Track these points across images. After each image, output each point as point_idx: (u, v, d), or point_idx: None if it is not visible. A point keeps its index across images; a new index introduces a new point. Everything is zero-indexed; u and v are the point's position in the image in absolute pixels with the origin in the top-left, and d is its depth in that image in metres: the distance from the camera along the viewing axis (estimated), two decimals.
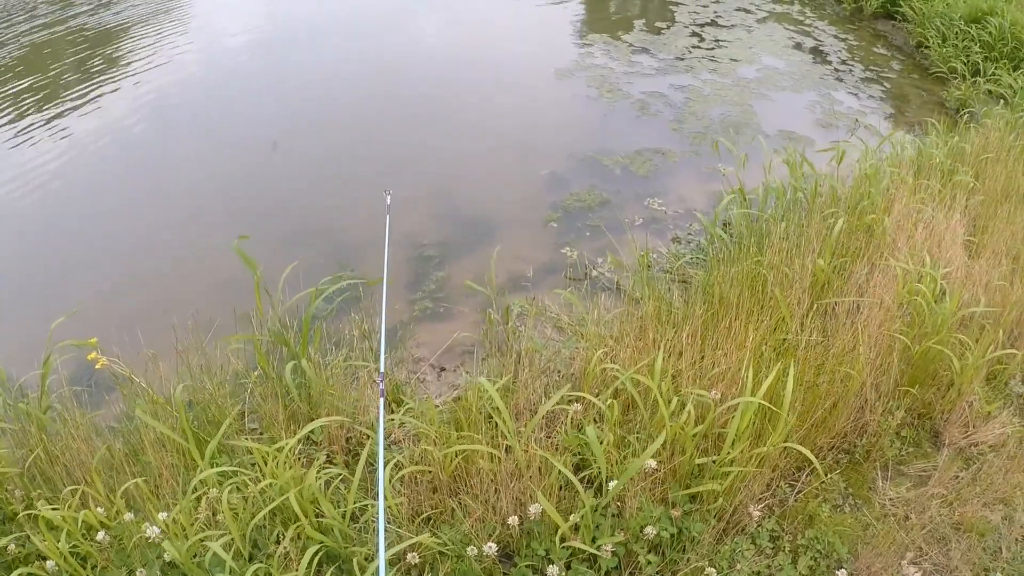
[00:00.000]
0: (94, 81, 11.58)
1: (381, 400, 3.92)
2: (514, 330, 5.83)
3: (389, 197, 5.84)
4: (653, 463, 3.92)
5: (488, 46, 12.95)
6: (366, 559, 3.69)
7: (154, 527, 3.74)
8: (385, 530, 3.86)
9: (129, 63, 12.34)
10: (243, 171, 9.02)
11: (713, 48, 12.59)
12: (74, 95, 11.17)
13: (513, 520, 3.85)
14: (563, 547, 3.82)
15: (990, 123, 8.63)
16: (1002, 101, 10.12)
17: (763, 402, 4.04)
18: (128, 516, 3.97)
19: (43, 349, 4.98)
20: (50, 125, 10.23)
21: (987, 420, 5.15)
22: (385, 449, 4.55)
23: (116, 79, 11.68)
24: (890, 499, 4.66)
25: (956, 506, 4.60)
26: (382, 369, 4.26)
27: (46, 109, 10.72)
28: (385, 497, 3.55)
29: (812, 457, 4.13)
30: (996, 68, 11.01)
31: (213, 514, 3.96)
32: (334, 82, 11.36)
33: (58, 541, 3.77)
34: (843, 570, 4.07)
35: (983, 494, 4.68)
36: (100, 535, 3.90)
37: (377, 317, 5.97)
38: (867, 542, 4.33)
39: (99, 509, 4.03)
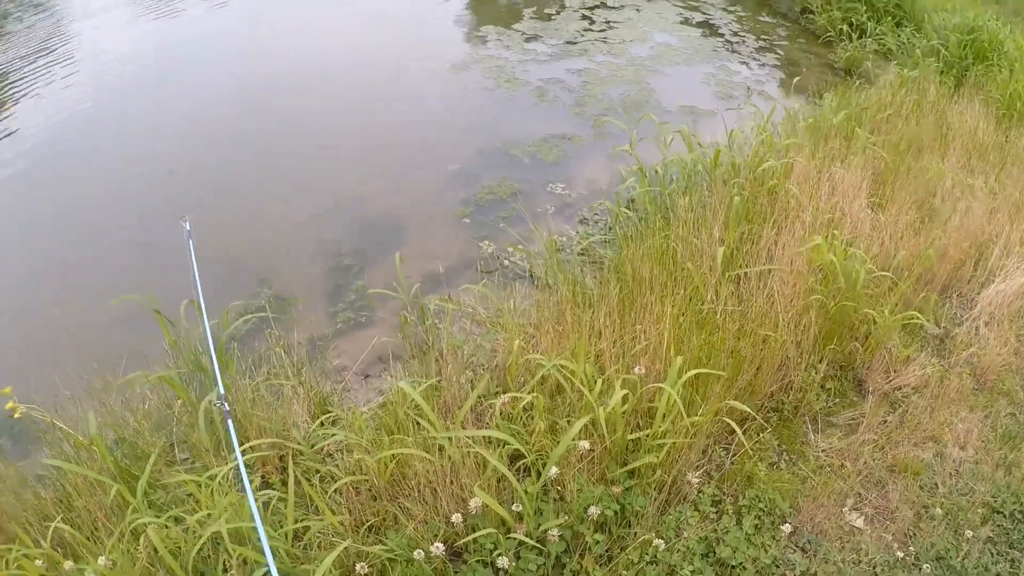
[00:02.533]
0: None
1: (229, 422, 3.91)
2: (433, 328, 5.79)
3: (188, 223, 5.60)
4: (587, 444, 3.93)
5: (378, 47, 12.81)
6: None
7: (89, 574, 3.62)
8: (332, 545, 3.83)
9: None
10: (137, 198, 8.76)
11: (605, 30, 12.66)
12: None
13: (456, 517, 3.83)
14: (508, 538, 3.81)
15: (883, 80, 8.83)
16: (891, 58, 10.35)
17: (674, 395, 4.06)
18: (68, 564, 3.82)
19: None
20: None
21: (907, 363, 5.28)
22: (319, 463, 4.51)
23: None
24: (823, 450, 4.76)
25: (888, 449, 4.73)
26: (221, 391, 4.25)
27: None
28: (318, 510, 3.49)
29: (738, 422, 4.19)
30: (880, 27, 11.27)
31: (155, 551, 3.87)
32: (223, 102, 11.06)
33: None
34: (787, 524, 4.15)
35: (912, 435, 4.84)
36: None
37: (294, 331, 5.93)
38: (807, 495, 4.41)
39: (37, 562, 3.88)
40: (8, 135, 10.12)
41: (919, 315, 5.34)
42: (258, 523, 3.27)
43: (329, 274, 7.03)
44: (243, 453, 4.48)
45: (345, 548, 3.76)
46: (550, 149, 8.97)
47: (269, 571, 3.56)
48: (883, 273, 5.45)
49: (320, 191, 8.41)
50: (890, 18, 11.42)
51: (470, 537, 3.79)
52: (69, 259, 7.60)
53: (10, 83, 11.69)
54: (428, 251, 7.08)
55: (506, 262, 6.92)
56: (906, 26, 11.27)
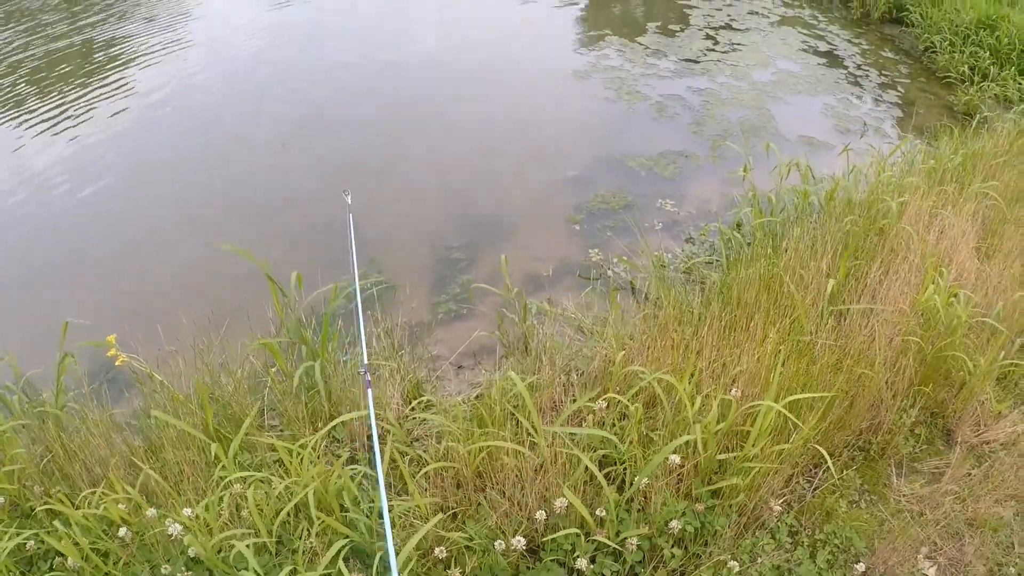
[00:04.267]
0: (103, 85, 11.83)
1: (369, 391, 4.03)
2: (533, 329, 5.95)
3: (349, 197, 5.87)
4: (677, 458, 4.05)
5: (503, 50, 13.06)
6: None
7: (176, 525, 3.77)
8: (412, 525, 4.00)
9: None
10: (253, 173, 9.18)
11: (728, 51, 12.68)
12: (80, 96, 11.43)
13: (540, 514, 3.96)
14: (588, 541, 3.95)
15: (1000, 127, 8.75)
16: (1010, 105, 10.22)
17: (782, 410, 4.16)
18: (151, 512, 4.01)
19: (52, 343, 5.13)
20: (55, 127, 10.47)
21: (998, 419, 5.25)
22: (407, 445, 4.68)
23: (123, 85, 11.91)
24: (904, 496, 4.78)
25: (969, 503, 4.71)
26: (364, 360, 4.39)
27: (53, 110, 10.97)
28: (407, 491, 3.66)
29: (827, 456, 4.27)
30: (1003, 73, 11.14)
31: (237, 510, 4.06)
32: (348, 91, 11.49)
33: (76, 541, 3.86)
34: (861, 564, 4.21)
35: (995, 491, 4.79)
36: (122, 531, 3.95)
37: (396, 315, 6.13)
38: (883, 537, 4.44)
39: (120, 506, 4.08)
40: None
41: (1018, 362, 5.36)
42: (382, 490, 3.41)
43: (436, 265, 7.28)
44: (336, 428, 4.71)
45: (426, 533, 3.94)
46: (667, 165, 9.08)
47: (349, 543, 3.75)
48: (984, 319, 5.45)
49: (436, 184, 8.70)
50: (1013, 67, 11.26)
51: (551, 536, 3.93)
52: (190, 218, 7.98)
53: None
54: (535, 253, 7.29)
55: (609, 272, 7.05)
56: None
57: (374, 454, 3.59)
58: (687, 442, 4.17)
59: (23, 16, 15.29)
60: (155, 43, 13.48)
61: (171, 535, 3.78)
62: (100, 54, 13.17)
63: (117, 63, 12.72)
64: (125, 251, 7.81)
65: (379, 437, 4.79)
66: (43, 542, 4.06)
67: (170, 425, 4.56)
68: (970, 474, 4.95)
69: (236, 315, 5.79)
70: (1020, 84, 10.78)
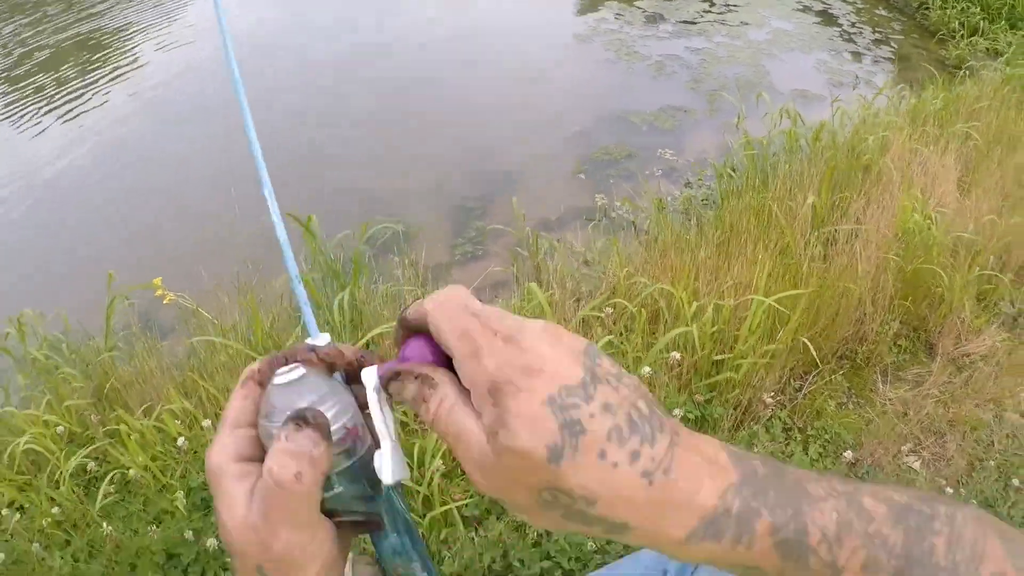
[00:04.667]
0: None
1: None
2: (544, 262, 6.40)
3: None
4: (677, 355, 4.50)
5: (505, 17, 13.46)
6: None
7: None
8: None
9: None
10: (275, 132, 9.57)
11: (724, 12, 13.03)
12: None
13: None
14: None
15: (985, 75, 9.14)
16: (999, 57, 10.60)
17: (773, 303, 4.60)
18: (207, 423, 4.38)
19: (93, 291, 5.64)
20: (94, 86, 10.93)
21: (978, 334, 5.65)
22: None
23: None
24: (889, 399, 5.17)
25: (950, 405, 5.10)
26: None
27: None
28: None
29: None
30: (994, 27, 11.51)
31: None
32: (353, 58, 11.93)
33: (138, 452, 4.21)
34: (849, 451, 4.64)
35: (975, 395, 5.19)
36: (180, 440, 4.27)
37: (419, 252, 6.59)
38: (869, 433, 4.84)
39: (176, 422, 4.45)
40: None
41: (991, 282, 5.78)
42: None
43: (452, 212, 7.74)
44: (370, 343, 5.15)
45: None
46: (666, 119, 9.50)
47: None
48: (961, 234, 5.84)
49: (448, 144, 9.15)
50: (1004, 20, 11.63)
51: None
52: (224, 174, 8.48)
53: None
54: (543, 200, 7.71)
55: (614, 214, 7.48)
56: (1021, 28, 11.46)
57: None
58: (686, 340, 4.62)
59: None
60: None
61: None
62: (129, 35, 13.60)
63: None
64: (153, 212, 8.34)
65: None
66: (103, 462, 4.42)
67: (218, 351, 4.97)
68: (951, 382, 5.33)
69: (271, 264, 6.23)
70: (1009, 37, 11.14)
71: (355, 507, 0.82)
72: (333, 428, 0.78)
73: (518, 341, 0.72)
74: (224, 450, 0.80)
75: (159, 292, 5.05)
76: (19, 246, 8.09)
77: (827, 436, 4.78)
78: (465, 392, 0.74)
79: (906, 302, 5.55)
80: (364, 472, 0.81)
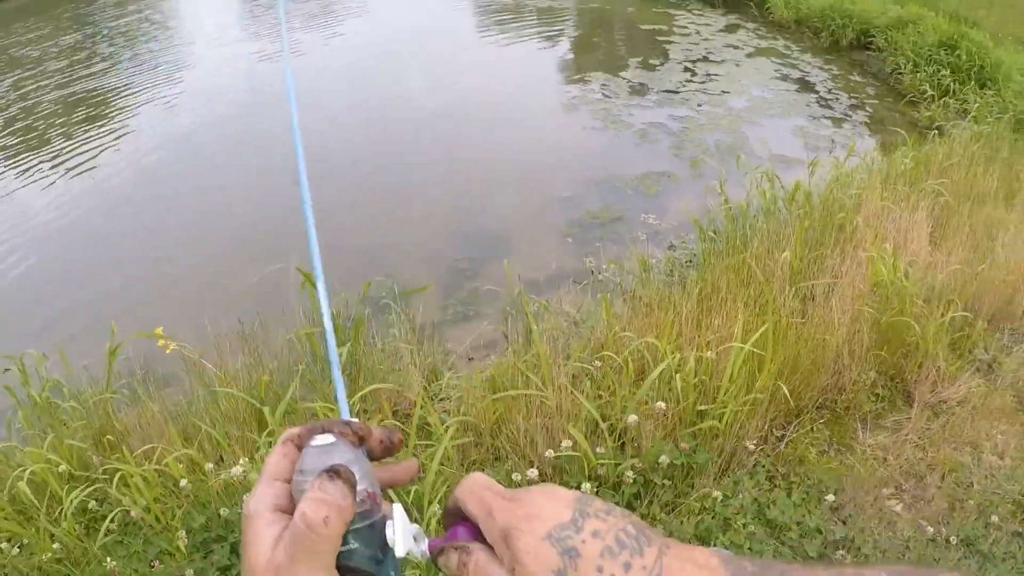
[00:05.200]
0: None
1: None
2: (535, 319, 6.62)
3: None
4: (663, 404, 4.72)
5: (495, 88, 13.90)
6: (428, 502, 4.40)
7: (237, 467, 4.29)
8: (440, 471, 4.64)
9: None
10: (276, 195, 9.89)
11: (706, 82, 13.47)
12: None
13: (549, 453, 4.60)
14: (591, 477, 4.61)
15: (955, 134, 9.48)
16: (969, 117, 10.93)
17: (752, 348, 4.83)
18: (209, 466, 4.55)
19: (99, 345, 5.78)
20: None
21: (953, 380, 5.82)
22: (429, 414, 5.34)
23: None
24: (869, 445, 5.33)
25: (929, 449, 5.26)
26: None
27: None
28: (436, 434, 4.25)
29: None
30: (964, 89, 11.90)
31: None
32: (353, 128, 12.34)
33: (142, 492, 4.35)
34: (831, 495, 4.82)
35: (952, 439, 5.34)
36: (183, 482, 4.42)
37: (413, 311, 6.84)
38: (851, 478, 5.01)
39: (179, 465, 4.59)
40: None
41: (964, 330, 6.01)
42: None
43: (445, 274, 8.02)
44: (363, 400, 5.36)
45: (448, 476, 4.56)
46: (651, 184, 9.84)
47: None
48: (931, 286, 6.10)
49: (441, 207, 9.52)
50: (973, 81, 12.01)
51: (561, 454, 4.56)
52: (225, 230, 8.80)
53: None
54: (533, 263, 8.03)
55: (600, 276, 7.74)
56: (990, 88, 11.84)
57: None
58: (670, 389, 4.85)
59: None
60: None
61: (232, 476, 4.30)
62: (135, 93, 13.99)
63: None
64: (158, 262, 8.72)
65: (405, 411, 5.47)
66: (104, 502, 4.56)
67: (219, 401, 5.16)
68: (928, 427, 5.49)
69: (271, 317, 6.50)
70: (978, 98, 11.51)
71: (364, 565, 0.92)
72: (358, 488, 0.89)
73: (520, 498, 0.87)
74: (262, 499, 0.90)
75: (161, 342, 5.23)
76: (28, 292, 8.42)
77: (809, 482, 4.97)
78: (493, 551, 0.87)
79: (882, 352, 5.77)
80: (376, 536, 0.91)
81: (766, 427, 5.28)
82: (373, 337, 6.35)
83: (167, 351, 5.29)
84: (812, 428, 5.40)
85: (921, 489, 5.08)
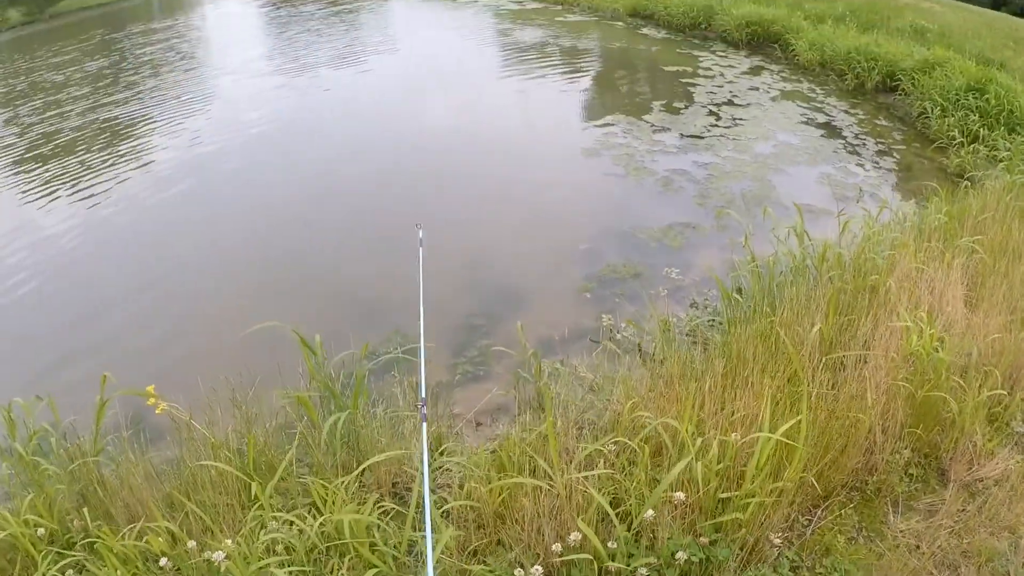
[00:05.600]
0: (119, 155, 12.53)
1: (424, 425, 4.34)
2: (547, 387, 6.33)
3: (422, 231, 6.37)
4: (682, 495, 4.40)
5: (515, 130, 13.68)
6: None
7: (219, 552, 4.06)
8: (439, 562, 4.35)
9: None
10: (280, 243, 9.80)
11: (730, 126, 13.22)
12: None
13: (556, 547, 4.25)
14: (602, 573, 4.28)
15: (988, 185, 9.14)
16: (1000, 164, 10.60)
17: (780, 438, 4.50)
18: (191, 544, 4.32)
19: (90, 397, 5.50)
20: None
21: (990, 457, 5.50)
22: (431, 492, 5.04)
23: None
24: (901, 531, 5.01)
25: (964, 535, 4.92)
26: (423, 395, 4.70)
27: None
28: (433, 523, 3.98)
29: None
30: (994, 134, 11.56)
31: (272, 545, 4.33)
32: (371, 169, 12.15)
33: (117, 570, 4.14)
34: None
35: (989, 524, 5.01)
36: (163, 560, 4.22)
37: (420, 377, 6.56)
38: (881, 569, 4.67)
39: (160, 539, 4.37)
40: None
41: (1002, 403, 5.67)
42: (427, 514, 3.73)
43: (457, 331, 7.72)
44: (362, 475, 5.10)
45: (447, 566, 4.27)
46: (675, 235, 9.55)
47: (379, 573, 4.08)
48: (966, 355, 5.78)
49: (455, 257, 9.18)
50: (1002, 126, 11.69)
51: (567, 557, 4.22)
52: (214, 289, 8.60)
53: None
54: (549, 319, 7.72)
55: (619, 336, 7.44)
56: (1020, 133, 11.53)
57: (423, 479, 3.89)
58: (690, 479, 4.53)
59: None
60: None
61: (214, 561, 4.07)
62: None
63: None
64: (162, 310, 8.49)
65: (405, 484, 5.18)
66: (83, 570, 4.37)
67: (208, 468, 4.90)
68: (964, 509, 5.16)
69: (268, 374, 6.23)
70: (1010, 142, 11.18)
71: None
72: None
73: None
74: None
75: (151, 401, 4.96)
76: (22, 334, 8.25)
77: (837, 574, 4.65)
78: None
79: (917, 429, 5.45)
80: None
81: (792, 515, 4.96)
82: (375, 401, 6.07)
83: (157, 411, 5.00)
84: (841, 513, 5.06)
85: None
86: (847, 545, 4.89)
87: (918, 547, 4.91)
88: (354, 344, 6.21)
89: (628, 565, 4.28)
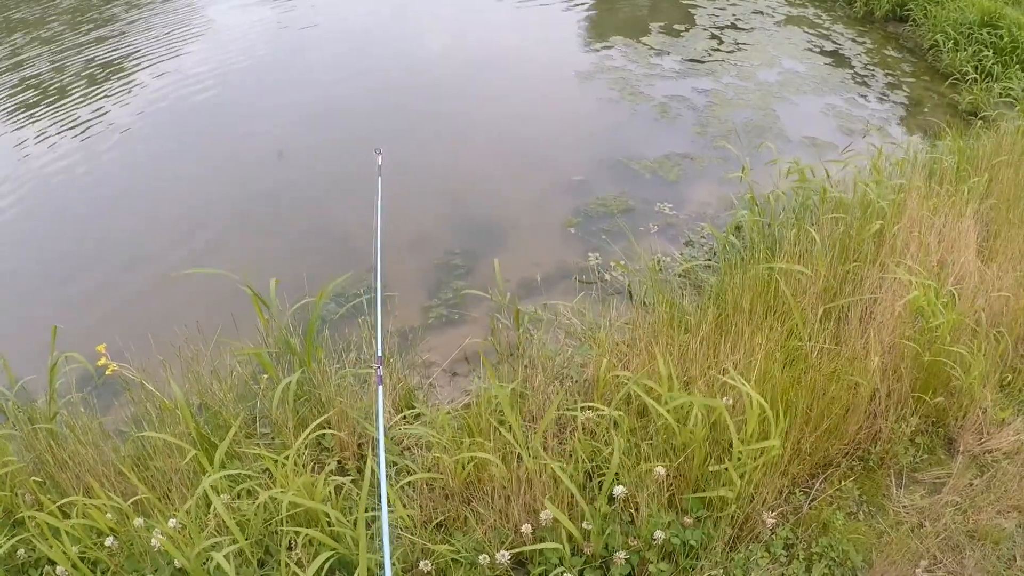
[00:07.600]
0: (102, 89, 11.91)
1: (379, 388, 3.96)
2: (527, 334, 5.87)
3: (380, 157, 5.85)
4: (662, 470, 3.96)
5: (508, 50, 13.03)
6: (378, 566, 3.65)
7: (161, 535, 3.79)
8: (399, 538, 3.92)
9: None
10: (249, 176, 9.21)
11: (733, 51, 12.57)
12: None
13: (526, 528, 3.89)
14: (575, 556, 3.87)
15: (1003, 127, 8.62)
16: (1014, 104, 10.09)
17: (760, 399, 4.06)
18: (139, 522, 4.02)
19: (46, 350, 5.13)
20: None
21: (1001, 427, 5.14)
22: (397, 456, 4.60)
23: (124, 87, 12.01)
24: (904, 507, 4.68)
25: (970, 514, 4.60)
26: (379, 352, 4.31)
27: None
28: (389, 501, 3.57)
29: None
30: (1008, 71, 10.99)
31: (219, 524, 4.01)
32: (349, 89, 11.53)
33: (66, 547, 3.84)
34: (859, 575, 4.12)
35: (997, 502, 4.69)
36: (109, 540, 3.97)
37: (388, 321, 6.06)
38: (881, 550, 4.35)
39: (108, 515, 4.09)
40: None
41: (1015, 368, 5.26)
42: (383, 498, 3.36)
43: (432, 270, 7.23)
44: (323, 437, 4.66)
45: (411, 543, 3.89)
46: (671, 167, 9.01)
47: (335, 555, 3.67)
48: (976, 322, 5.34)
49: (436, 187, 8.68)
50: (1016, 64, 11.11)
51: (536, 547, 3.85)
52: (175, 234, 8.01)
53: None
54: (532, 257, 7.26)
55: (606, 276, 6.98)
56: None
57: (378, 457, 3.54)
58: (674, 450, 4.10)
59: None
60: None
61: (154, 547, 3.81)
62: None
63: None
64: (119, 260, 7.85)
65: (366, 448, 4.74)
66: (34, 549, 4.09)
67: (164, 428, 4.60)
68: (972, 484, 4.83)
69: (228, 325, 5.75)
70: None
71: None
72: None
73: None
74: None
75: (102, 361, 4.68)
76: None
77: (834, 555, 4.28)
78: None
79: (925, 395, 5.02)
80: None
81: (786, 486, 4.54)
82: (344, 348, 5.61)
83: (107, 372, 4.74)
84: (841, 485, 4.66)
85: (959, 564, 4.42)
86: (846, 521, 4.54)
87: (921, 525, 4.58)
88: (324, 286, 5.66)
89: (606, 547, 3.87)
